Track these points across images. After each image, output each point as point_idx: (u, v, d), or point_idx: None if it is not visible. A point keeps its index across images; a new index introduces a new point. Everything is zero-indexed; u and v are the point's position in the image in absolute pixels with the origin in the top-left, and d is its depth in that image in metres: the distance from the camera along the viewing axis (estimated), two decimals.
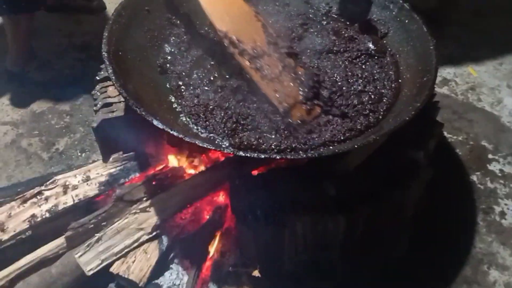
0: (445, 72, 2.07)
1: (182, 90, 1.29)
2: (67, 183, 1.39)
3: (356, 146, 1.06)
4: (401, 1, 1.43)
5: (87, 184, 1.40)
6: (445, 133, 1.77)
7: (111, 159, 1.43)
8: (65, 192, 1.38)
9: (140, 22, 1.37)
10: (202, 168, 1.41)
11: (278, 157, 1.04)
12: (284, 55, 1.29)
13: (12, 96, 1.98)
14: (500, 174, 1.68)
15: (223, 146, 1.12)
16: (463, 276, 1.40)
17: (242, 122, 1.19)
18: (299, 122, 1.17)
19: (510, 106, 1.92)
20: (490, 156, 1.74)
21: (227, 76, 1.31)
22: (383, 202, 1.22)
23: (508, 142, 1.78)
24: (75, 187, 1.39)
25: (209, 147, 1.04)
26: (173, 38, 1.44)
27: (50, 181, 1.40)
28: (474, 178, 1.66)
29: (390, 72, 1.35)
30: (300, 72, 1.26)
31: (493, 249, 1.47)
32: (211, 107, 1.23)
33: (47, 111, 1.91)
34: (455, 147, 1.76)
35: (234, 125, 1.18)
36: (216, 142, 1.16)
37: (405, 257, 1.40)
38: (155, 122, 1.05)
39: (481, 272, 1.42)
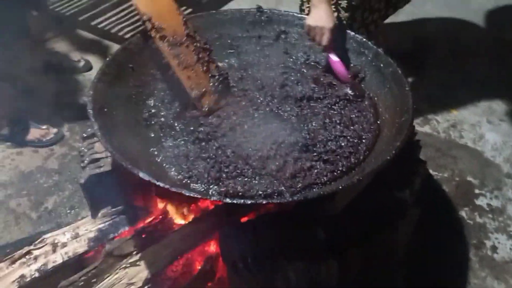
0: (426, 111, 2.13)
1: (163, 141, 1.32)
2: (56, 241, 1.38)
3: (340, 187, 1.08)
4: (375, 47, 1.49)
5: (76, 241, 1.39)
6: (431, 171, 1.80)
7: (100, 214, 1.43)
8: (54, 251, 1.36)
9: (124, 79, 1.41)
10: (191, 217, 1.42)
11: (264, 202, 1.05)
12: (200, 49, 1.43)
13: (0, 157, 1.99)
14: (488, 209, 1.70)
15: (210, 194, 1.13)
16: None
17: (225, 170, 1.21)
18: (206, 109, 1.37)
19: (492, 141, 1.96)
20: (476, 191, 1.76)
21: (201, 122, 1.36)
22: (374, 244, 1.23)
23: (493, 176, 1.81)
24: (64, 245, 1.38)
25: (196, 196, 1.05)
26: (157, 91, 1.48)
27: (39, 240, 1.38)
28: (462, 213, 1.68)
29: (369, 115, 1.39)
30: (212, 67, 1.44)
31: (487, 285, 1.47)
32: (191, 158, 1.25)
33: (35, 170, 1.92)
34: (441, 184, 1.78)
35: (217, 174, 1.20)
36: (203, 191, 1.18)
37: None
38: (141, 175, 1.06)
39: None
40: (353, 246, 1.23)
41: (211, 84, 1.43)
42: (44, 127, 2.08)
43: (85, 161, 1.41)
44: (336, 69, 1.50)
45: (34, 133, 2.06)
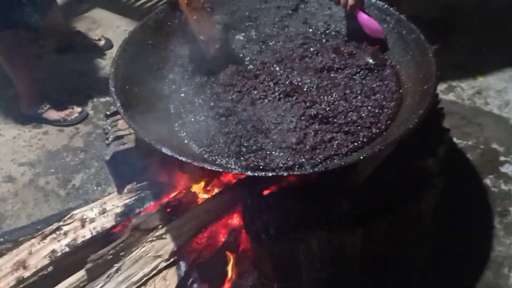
0: (451, 78, 2.08)
1: (184, 117, 1.33)
2: (84, 217, 1.42)
3: (361, 158, 1.07)
4: (397, 13, 1.46)
5: (104, 216, 1.43)
6: (455, 139, 1.77)
7: (125, 190, 1.46)
8: (83, 226, 1.41)
9: (144, 56, 1.41)
10: (214, 191, 1.44)
11: (285, 174, 1.06)
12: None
13: (27, 137, 2.04)
14: None
15: (231, 167, 1.14)
16: (485, 281, 1.39)
17: (245, 144, 1.21)
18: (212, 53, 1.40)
19: None
20: (502, 158, 1.73)
21: (221, 98, 1.35)
22: (398, 214, 1.22)
23: None
24: (92, 220, 1.42)
25: (218, 169, 1.07)
26: (177, 68, 1.48)
27: (68, 216, 1.43)
28: (487, 181, 1.65)
29: (391, 84, 1.36)
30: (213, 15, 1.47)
31: None
32: (212, 133, 1.26)
33: (62, 149, 1.96)
34: (466, 152, 1.75)
35: (237, 148, 1.21)
36: (224, 164, 1.19)
37: (427, 268, 1.38)
38: (163, 150, 1.08)
39: (503, 275, 1.40)
40: (377, 217, 1.22)
41: (215, 30, 1.45)
42: (68, 106, 2.12)
43: (109, 139, 1.44)
44: (370, 25, 1.45)
45: (59, 112, 2.10)
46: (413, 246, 1.39)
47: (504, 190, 1.62)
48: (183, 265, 1.33)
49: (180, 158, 1.06)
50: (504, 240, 1.48)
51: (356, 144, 1.20)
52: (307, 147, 1.19)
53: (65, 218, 1.43)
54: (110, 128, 1.48)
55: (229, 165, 1.17)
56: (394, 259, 1.35)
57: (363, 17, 1.46)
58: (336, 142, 1.20)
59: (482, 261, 1.44)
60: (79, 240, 1.38)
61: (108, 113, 1.53)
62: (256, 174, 1.05)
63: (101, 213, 1.44)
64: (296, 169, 1.13)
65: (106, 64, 2.37)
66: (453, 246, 1.47)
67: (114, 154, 1.40)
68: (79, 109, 2.12)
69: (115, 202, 1.45)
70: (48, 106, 2.10)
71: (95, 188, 1.78)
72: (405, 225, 1.31)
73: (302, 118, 1.26)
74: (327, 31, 1.59)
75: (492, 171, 1.68)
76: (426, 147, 1.37)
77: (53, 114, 2.09)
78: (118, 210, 1.44)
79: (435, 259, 1.43)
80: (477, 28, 2.34)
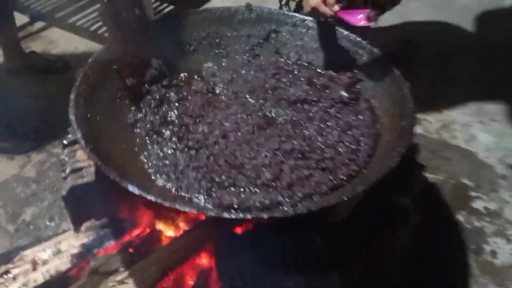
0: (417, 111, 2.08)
1: (150, 149, 1.24)
2: (36, 258, 1.28)
3: (345, 199, 1.01)
4: (370, 46, 1.44)
5: (58, 257, 1.29)
6: (425, 174, 1.76)
7: (83, 227, 1.33)
8: (34, 269, 1.26)
9: (109, 82, 1.32)
10: (181, 229, 1.34)
11: (265, 217, 0.98)
12: None
13: None
14: (485, 212, 1.66)
15: (206, 208, 1.05)
16: None
17: (217, 180, 1.13)
18: None
19: (485, 142, 1.94)
20: (472, 193, 1.73)
21: (191, 130, 1.28)
22: (374, 252, 1.17)
23: (487, 178, 1.78)
24: (45, 262, 1.28)
25: (191, 211, 0.98)
26: (143, 95, 1.39)
27: (18, 257, 1.29)
28: (460, 217, 1.64)
29: (367, 118, 1.33)
30: None
31: None
32: (180, 167, 1.17)
33: (11, 179, 1.80)
34: (437, 187, 1.74)
35: (209, 184, 1.13)
36: (195, 202, 1.10)
37: None
38: (130, 188, 0.99)
39: None
40: (354, 256, 1.17)
41: None
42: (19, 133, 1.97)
43: (66, 171, 1.32)
44: (352, 17, 1.35)
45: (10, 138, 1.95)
46: (384, 284, 1.34)
47: (477, 226, 1.61)
48: None
49: (149, 197, 0.97)
50: (480, 279, 1.45)
51: (335, 181, 1.14)
52: (284, 184, 1.12)
53: (14, 259, 1.28)
54: (67, 159, 1.36)
55: (200, 204, 1.09)
56: None
57: (349, 14, 1.36)
58: (314, 179, 1.15)
59: None
60: (31, 285, 1.23)
61: (66, 142, 1.41)
62: (233, 216, 0.97)
63: (55, 253, 1.30)
64: (275, 209, 1.06)
65: (62, 87, 2.23)
66: (427, 285, 1.42)
67: (72, 188, 1.28)
68: (31, 135, 1.97)
69: (71, 242, 1.32)
70: None
71: (48, 223, 1.64)
72: (379, 263, 1.26)
73: (277, 152, 1.20)
74: (298, 62, 1.56)
75: (463, 207, 1.67)
76: (402, 183, 1.33)
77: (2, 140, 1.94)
78: (75, 250, 1.30)
79: None
80: (436, 62, 2.39)
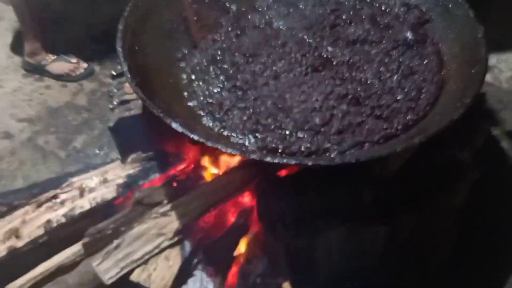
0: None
1: (195, 86, 1.20)
2: (83, 186, 1.32)
3: (397, 150, 0.94)
4: None
5: (105, 186, 1.33)
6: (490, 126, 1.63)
7: (129, 159, 1.35)
8: (81, 195, 1.31)
9: (158, 14, 1.27)
10: (225, 167, 1.33)
11: (310, 164, 0.93)
12: None
13: (28, 90, 1.91)
14: None
15: (248, 151, 1.01)
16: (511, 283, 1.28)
17: (263, 122, 1.08)
18: None
19: None
20: None
21: (241, 69, 1.21)
22: (427, 210, 1.11)
23: None
24: (92, 190, 1.32)
25: (233, 152, 0.95)
26: None
27: (66, 183, 1.33)
28: None
29: (433, 64, 1.21)
30: None
31: None
32: (226, 107, 1.13)
33: (64, 106, 1.84)
34: (501, 140, 1.61)
35: (254, 126, 1.08)
36: (239, 146, 1.07)
37: (450, 264, 1.28)
38: (174, 125, 0.96)
39: None
40: (404, 212, 1.11)
41: None
42: (74, 60, 1.99)
43: (115, 102, 1.32)
44: None
45: (63, 66, 1.96)
46: (437, 241, 1.28)
47: None
48: (187, 245, 1.24)
49: (191, 136, 0.95)
50: None
51: (389, 131, 1.07)
52: (333, 130, 1.06)
53: (63, 185, 1.32)
54: (116, 90, 1.35)
55: (244, 146, 1.05)
56: (415, 253, 1.25)
57: None
58: (367, 127, 1.07)
59: (507, 262, 1.33)
60: (77, 211, 1.28)
61: (115, 73, 1.40)
62: (276, 161, 0.92)
63: (102, 182, 1.33)
64: (321, 156, 1.01)
65: (116, 14, 2.20)
66: (480, 243, 1.36)
67: (119, 120, 1.28)
68: (85, 65, 1.98)
69: (117, 172, 1.35)
70: (52, 57, 1.97)
71: (98, 151, 1.67)
72: (432, 221, 1.20)
73: (330, 97, 1.12)
74: None
75: None
76: (463, 136, 1.24)
77: (57, 67, 1.96)
78: (121, 180, 1.33)
79: (458, 255, 1.32)
80: None
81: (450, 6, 1.26)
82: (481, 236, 1.37)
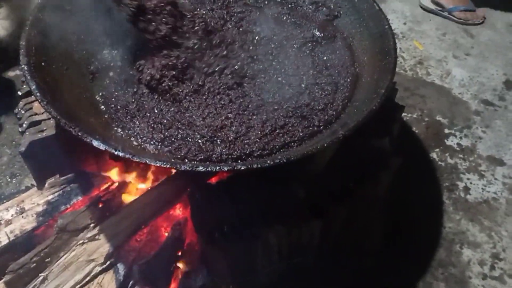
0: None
1: (108, 99, 1.15)
2: None
3: (324, 145, 0.96)
4: None
5: (23, 216, 1.22)
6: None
7: (46, 184, 1.25)
8: None
9: (62, 25, 1.18)
10: (152, 181, 1.28)
11: (243, 168, 0.92)
12: None
13: None
14: (458, 149, 1.66)
15: (180, 163, 0.98)
16: (437, 259, 1.37)
17: (173, 134, 1.06)
18: None
19: (459, 77, 1.91)
20: (446, 131, 1.71)
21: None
22: (357, 198, 1.14)
23: (461, 114, 1.77)
24: (8, 222, 1.21)
25: (163, 165, 0.91)
26: (102, 37, 1.25)
27: None
28: (433, 155, 1.63)
29: (345, 57, 1.26)
30: None
31: (462, 227, 1.45)
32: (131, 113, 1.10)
33: None
34: (411, 125, 1.72)
35: (160, 135, 1.06)
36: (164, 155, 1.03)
37: (381, 250, 1.34)
38: (95, 143, 0.90)
39: (454, 252, 1.39)
40: (336, 204, 1.14)
41: None
42: None
43: (24, 125, 1.21)
44: None
45: None
46: (366, 228, 1.33)
47: (450, 163, 1.60)
48: (121, 268, 1.17)
49: (116, 153, 0.90)
50: (454, 215, 1.47)
51: (312, 128, 1.08)
52: (253, 137, 1.05)
53: None
54: (23, 112, 1.25)
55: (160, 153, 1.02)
56: (348, 243, 1.29)
57: None
58: (288, 127, 1.08)
59: (434, 238, 1.42)
60: None
61: (20, 93, 1.29)
62: (209, 169, 0.90)
63: (19, 213, 1.22)
64: (251, 160, 1.00)
65: (15, 27, 2.04)
66: (404, 225, 1.43)
67: (30, 144, 1.17)
68: None
69: (35, 199, 1.25)
70: None
71: (9, 180, 1.54)
72: (361, 210, 1.24)
73: (244, 112, 1.11)
74: None
75: (438, 145, 1.66)
76: (380, 125, 1.29)
77: None
78: (40, 208, 1.23)
79: (387, 239, 1.38)
80: None
81: (356, 1, 1.31)
82: (406, 223, 1.45)
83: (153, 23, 1.13)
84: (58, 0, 1.21)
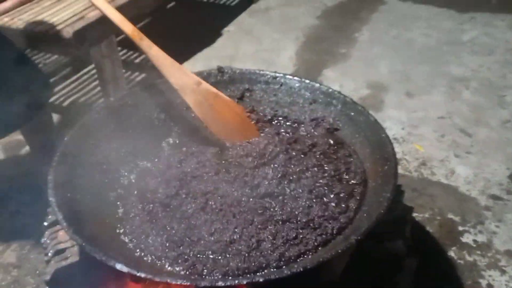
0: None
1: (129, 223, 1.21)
2: None
3: (339, 251, 0.99)
4: (342, 96, 1.47)
5: None
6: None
7: None
8: None
9: (88, 158, 1.30)
10: None
11: (261, 280, 0.95)
12: None
13: None
14: (474, 245, 1.66)
15: (200, 279, 1.01)
16: None
17: (189, 252, 1.10)
18: None
19: (464, 174, 1.96)
20: (460, 228, 1.73)
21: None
22: None
23: (472, 210, 1.80)
24: None
25: (183, 283, 0.94)
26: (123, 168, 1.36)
27: None
28: (451, 253, 1.63)
29: (356, 162, 1.32)
30: None
31: None
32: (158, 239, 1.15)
33: None
34: (424, 225, 1.74)
35: (174, 253, 1.10)
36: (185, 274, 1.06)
37: None
38: (118, 267, 0.95)
39: None
40: None
41: None
42: None
43: (49, 254, 1.26)
44: None
45: None
46: None
47: (469, 261, 1.60)
48: None
49: (138, 274, 0.94)
50: None
51: (325, 236, 1.12)
52: (268, 250, 1.08)
53: None
54: (49, 241, 1.31)
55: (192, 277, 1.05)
56: None
57: None
58: (301, 236, 1.12)
59: None
60: None
61: (46, 224, 1.36)
62: (228, 284, 0.93)
63: None
64: (268, 272, 1.03)
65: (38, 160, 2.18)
66: None
67: (56, 271, 1.22)
68: None
69: None
70: None
71: None
72: None
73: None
74: (275, 117, 1.57)
75: (454, 243, 1.67)
76: (393, 228, 1.33)
77: None
78: None
79: None
80: (404, 101, 2.46)
81: (352, 114, 1.43)
82: None
83: None
84: (83, 135, 1.33)
